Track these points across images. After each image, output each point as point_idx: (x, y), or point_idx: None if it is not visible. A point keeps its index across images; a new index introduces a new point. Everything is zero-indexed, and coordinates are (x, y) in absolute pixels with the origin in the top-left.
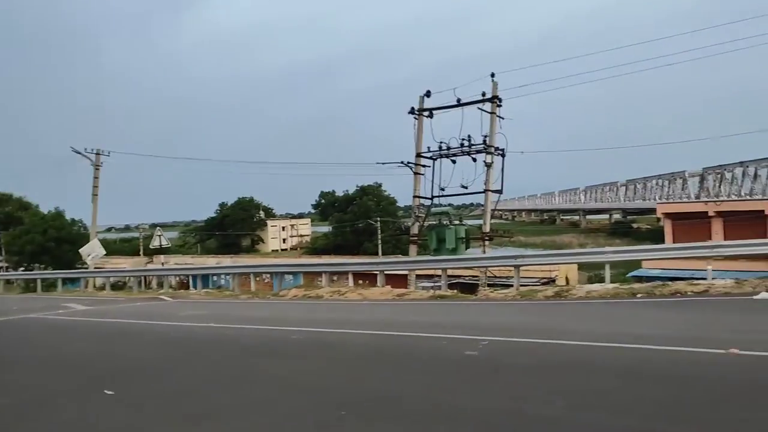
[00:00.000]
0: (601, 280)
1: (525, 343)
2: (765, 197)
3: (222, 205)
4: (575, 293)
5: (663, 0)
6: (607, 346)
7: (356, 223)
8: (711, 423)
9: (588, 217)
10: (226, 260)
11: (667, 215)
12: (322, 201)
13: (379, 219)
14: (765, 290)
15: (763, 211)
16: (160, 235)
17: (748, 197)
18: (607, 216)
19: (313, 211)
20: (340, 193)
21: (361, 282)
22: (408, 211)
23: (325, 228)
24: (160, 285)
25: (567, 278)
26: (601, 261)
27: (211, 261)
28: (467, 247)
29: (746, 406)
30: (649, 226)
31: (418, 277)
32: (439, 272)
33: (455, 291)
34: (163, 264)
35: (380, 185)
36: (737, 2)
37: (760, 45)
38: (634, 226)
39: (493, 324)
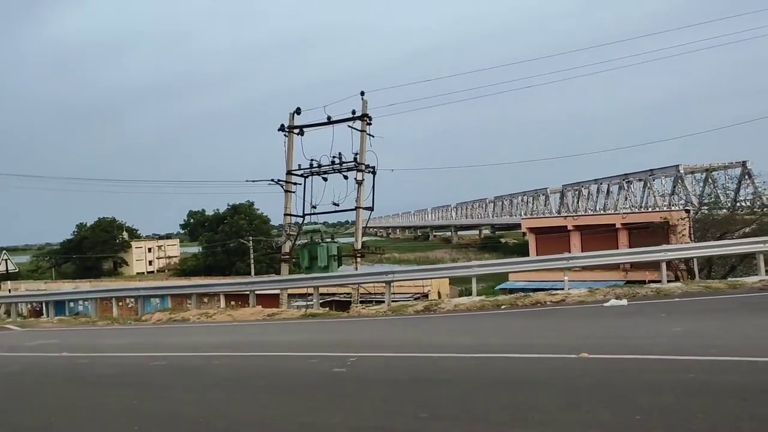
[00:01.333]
0: (471, 293)
1: (393, 357)
2: (616, 212)
3: (80, 226)
4: (444, 307)
5: (531, 29)
6: (471, 356)
7: (227, 242)
8: (562, 424)
9: (459, 233)
10: (85, 285)
11: (531, 230)
12: (191, 221)
13: (251, 238)
14: (614, 297)
15: (614, 224)
16: (6, 260)
17: (601, 212)
18: (477, 232)
19: (181, 231)
20: (210, 212)
21: (233, 303)
22: (281, 230)
23: (195, 249)
24: (8, 313)
25: (439, 293)
26: (469, 275)
27: (67, 286)
28: (339, 265)
29: (595, 405)
30: (515, 241)
31: (291, 296)
32: (312, 290)
33: (327, 309)
34: (10, 291)
35: (252, 204)
36: (595, 33)
37: (603, 72)
38: (502, 240)
39: (362, 340)
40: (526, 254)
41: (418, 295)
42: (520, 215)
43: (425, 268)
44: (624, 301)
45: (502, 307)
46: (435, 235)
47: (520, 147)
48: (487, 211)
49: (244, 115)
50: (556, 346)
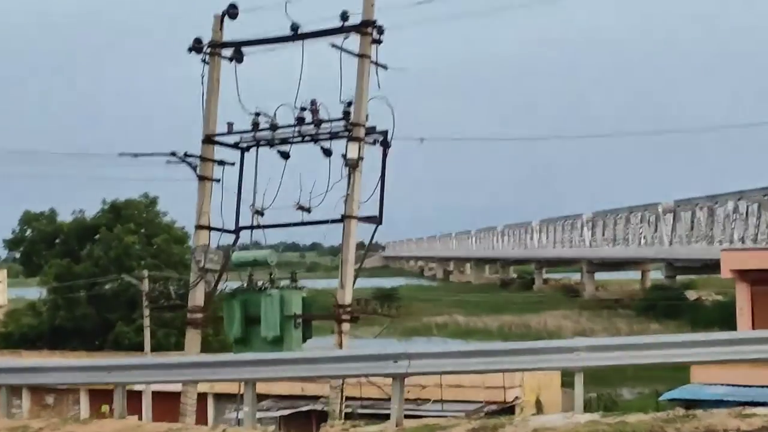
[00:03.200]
0: (610, 403)
1: None
2: None
3: None
4: None
5: None
6: None
7: (97, 281)
8: None
9: (549, 274)
10: None
11: (743, 274)
12: (26, 233)
13: (147, 273)
14: None
15: None
16: None
17: None
18: (632, 273)
19: (6, 254)
20: (66, 216)
21: (105, 407)
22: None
23: (34, 291)
24: None
25: (538, 400)
26: (569, 365)
27: None
28: (307, 337)
29: None
30: (718, 297)
31: (225, 398)
32: (245, 389)
33: (274, 429)
34: None
35: (153, 200)
36: None
37: None
38: (689, 295)
39: None
40: (731, 324)
41: (491, 407)
42: (638, 242)
43: (473, 349)
44: None
45: None
46: (547, 281)
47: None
48: (583, 236)
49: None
50: None
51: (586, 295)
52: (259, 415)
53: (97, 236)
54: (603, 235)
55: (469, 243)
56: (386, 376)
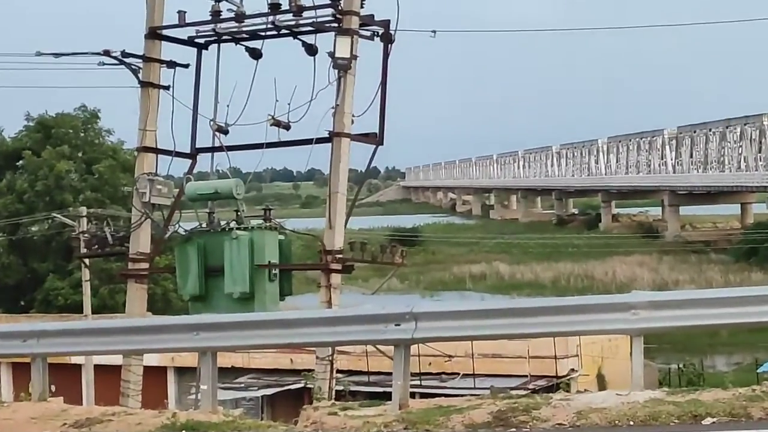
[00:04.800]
0: (696, 377)
1: None
2: None
3: None
4: (546, 417)
5: None
6: None
7: (21, 222)
8: None
9: (682, 211)
10: None
11: None
12: None
13: (87, 211)
14: None
15: None
16: None
17: None
18: (728, 207)
19: None
20: None
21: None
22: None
23: None
24: None
25: (600, 373)
26: (624, 328)
27: None
28: (286, 293)
29: None
30: None
31: (183, 372)
32: (203, 359)
33: (241, 413)
34: None
35: (93, 115)
36: None
37: None
38: None
39: None
40: None
41: (537, 383)
42: (737, 165)
43: (499, 307)
44: None
45: (708, 420)
46: (617, 217)
47: None
48: (664, 159)
49: None
50: None
51: (668, 235)
52: (235, 394)
53: (20, 162)
54: (690, 156)
55: (515, 168)
56: (385, 343)
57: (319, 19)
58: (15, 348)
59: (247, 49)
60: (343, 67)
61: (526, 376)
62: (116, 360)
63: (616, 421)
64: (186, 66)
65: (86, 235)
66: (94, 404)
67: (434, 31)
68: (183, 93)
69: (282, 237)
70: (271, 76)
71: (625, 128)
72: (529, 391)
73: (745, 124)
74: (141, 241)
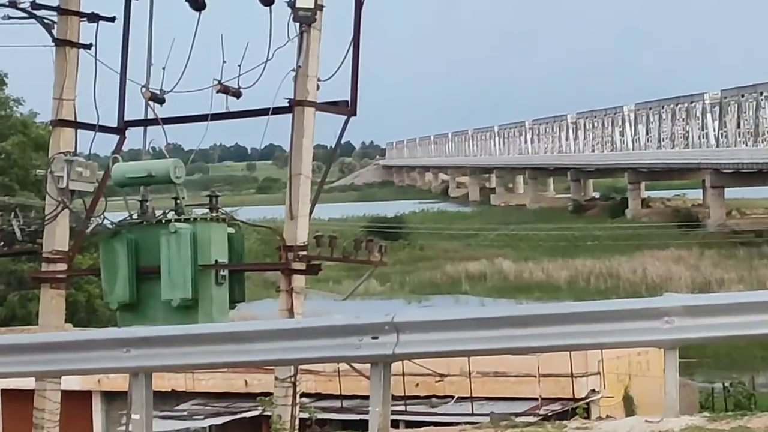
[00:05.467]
0: (745, 398)
1: None
2: None
3: None
4: None
5: None
6: None
7: None
8: None
9: (727, 193)
10: None
11: None
12: None
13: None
14: None
15: None
16: None
17: None
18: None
19: None
20: None
21: None
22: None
23: None
24: None
25: (626, 394)
26: (655, 339)
27: None
28: (237, 300)
29: None
30: None
31: (112, 397)
32: (134, 382)
33: None
34: None
35: (0, 78)
36: None
37: None
38: None
39: None
40: None
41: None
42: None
43: (500, 315)
44: None
45: None
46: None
47: None
48: (705, 129)
49: None
50: None
51: (710, 224)
52: (176, 425)
53: None
54: (738, 126)
55: (521, 143)
56: (360, 360)
57: None
58: None
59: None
60: (306, 20)
61: (536, 399)
62: (28, 384)
63: None
64: (112, 20)
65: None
66: None
67: None
68: (108, 53)
69: (232, 230)
70: (217, 33)
71: (656, 93)
72: (539, 417)
73: None
74: (57, 237)
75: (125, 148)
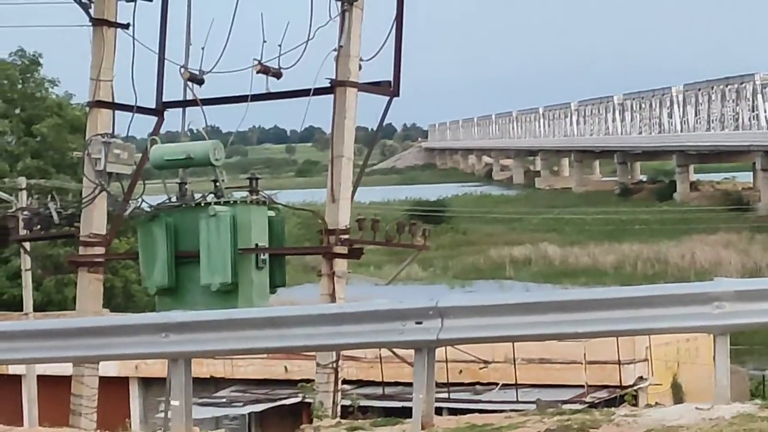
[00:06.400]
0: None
1: None
2: None
3: None
4: None
5: None
6: None
7: None
8: None
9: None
10: None
11: None
12: None
13: (26, 182)
14: None
15: None
16: None
17: None
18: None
19: None
20: None
21: None
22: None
23: None
24: None
25: (675, 381)
26: (704, 325)
27: None
28: (278, 284)
29: None
30: None
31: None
32: (172, 367)
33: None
34: None
35: (33, 61)
36: None
37: None
38: None
39: None
40: None
41: (597, 394)
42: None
43: (545, 300)
44: None
45: None
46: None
47: None
48: (756, 110)
49: None
50: None
51: (762, 207)
52: (215, 412)
53: None
54: None
55: (566, 125)
56: (403, 346)
57: None
58: None
59: None
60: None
61: (583, 386)
62: (65, 369)
63: None
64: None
65: (26, 212)
66: (37, 424)
67: None
68: (147, 33)
69: (273, 213)
70: (257, 11)
71: (705, 74)
72: (586, 405)
73: None
74: (95, 220)
75: (163, 129)
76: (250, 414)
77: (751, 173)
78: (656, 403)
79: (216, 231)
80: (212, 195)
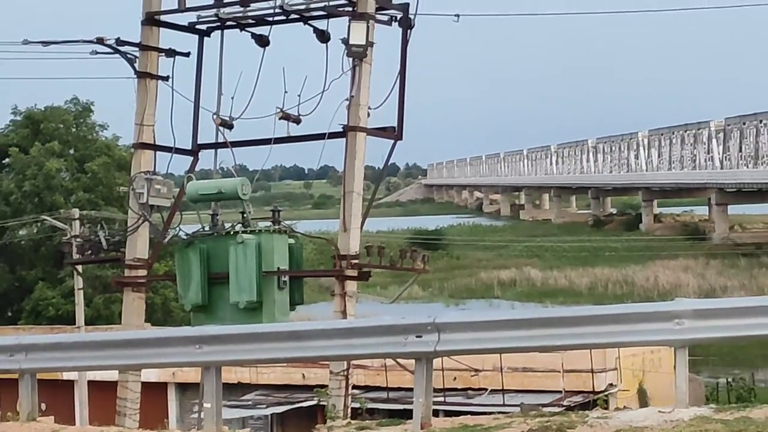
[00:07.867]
0: (746, 392)
1: None
2: None
3: None
4: None
5: None
6: None
7: (8, 226)
8: None
9: (731, 210)
10: None
11: None
12: None
13: (79, 213)
14: None
15: None
16: None
17: None
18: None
19: None
20: None
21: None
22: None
23: None
24: None
25: (641, 388)
26: (667, 339)
27: None
28: (296, 302)
29: None
30: None
31: (185, 388)
32: (206, 375)
33: None
34: None
35: (86, 108)
36: None
37: None
38: None
39: None
40: None
41: (573, 399)
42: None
43: (530, 317)
44: None
45: None
46: (660, 217)
47: None
48: (711, 153)
49: None
50: None
51: (715, 237)
52: (242, 413)
53: (7, 161)
54: (740, 150)
55: (547, 164)
56: (405, 356)
57: (332, 3)
58: (1, 363)
59: (254, 35)
60: (358, 55)
61: (560, 391)
62: (112, 376)
63: None
64: (187, 55)
65: (78, 239)
66: (87, 424)
67: (458, 15)
68: (183, 84)
69: (292, 241)
70: (279, 66)
71: (667, 120)
72: (564, 408)
73: None
74: (138, 246)
75: (198, 168)
76: (272, 415)
77: (707, 207)
78: (624, 407)
79: (243, 256)
80: (240, 225)
